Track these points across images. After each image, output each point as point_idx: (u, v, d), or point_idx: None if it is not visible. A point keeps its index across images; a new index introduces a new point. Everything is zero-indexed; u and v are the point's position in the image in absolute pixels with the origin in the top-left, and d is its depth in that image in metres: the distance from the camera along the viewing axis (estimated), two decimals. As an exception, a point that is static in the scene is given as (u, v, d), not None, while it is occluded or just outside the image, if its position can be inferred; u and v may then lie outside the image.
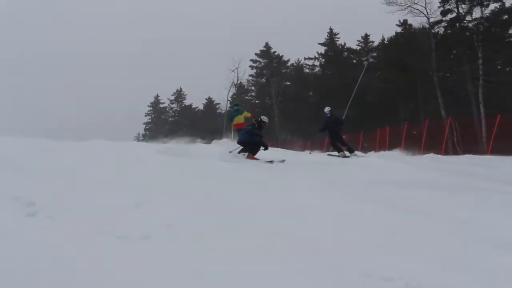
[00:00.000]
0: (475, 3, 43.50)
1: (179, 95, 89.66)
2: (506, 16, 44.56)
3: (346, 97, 36.59)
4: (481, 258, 5.41)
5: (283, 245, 5.18)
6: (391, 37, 54.73)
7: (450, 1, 44.44)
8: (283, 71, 66.46)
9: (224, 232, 5.47)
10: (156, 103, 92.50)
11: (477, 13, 43.65)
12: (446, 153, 25.58)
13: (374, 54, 60.38)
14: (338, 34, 63.46)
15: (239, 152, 16.17)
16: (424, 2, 44.67)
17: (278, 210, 7.06)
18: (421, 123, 30.38)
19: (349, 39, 64.78)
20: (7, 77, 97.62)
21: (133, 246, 4.52)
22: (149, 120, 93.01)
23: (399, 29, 53.68)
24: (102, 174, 8.90)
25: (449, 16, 44.90)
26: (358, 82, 34.15)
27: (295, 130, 48.33)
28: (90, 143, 15.03)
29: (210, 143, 23.94)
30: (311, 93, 61.29)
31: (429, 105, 43.72)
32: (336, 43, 63.38)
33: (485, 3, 43.20)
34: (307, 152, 19.75)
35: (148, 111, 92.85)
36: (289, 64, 67.65)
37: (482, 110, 38.15)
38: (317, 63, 64.24)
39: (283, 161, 15.42)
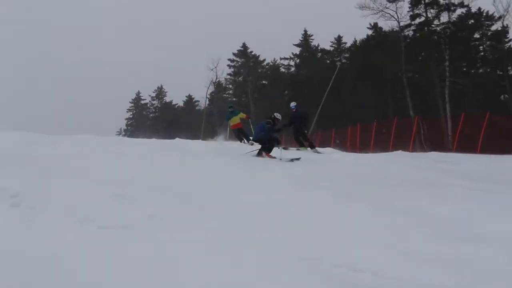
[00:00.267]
0: (442, 8, 44.08)
1: (159, 92, 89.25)
2: (472, 21, 45.17)
3: (320, 96, 36.75)
4: (444, 250, 5.54)
5: (260, 237, 5.24)
6: (362, 39, 55.11)
7: (419, 6, 44.89)
8: (259, 70, 66.46)
9: (204, 224, 5.52)
10: (137, 100, 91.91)
11: (444, 17, 44.38)
12: (413, 150, 25.74)
13: (347, 55, 60.65)
14: (312, 35, 63.79)
15: (257, 155, 15.53)
16: (395, 7, 45.27)
17: (256, 204, 7.12)
18: (390, 122, 30.52)
19: (323, 40, 64.89)
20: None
21: (113, 236, 4.54)
22: (131, 116, 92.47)
23: (370, 32, 54.10)
24: (85, 167, 8.85)
25: (418, 20, 45.42)
26: (331, 81, 34.39)
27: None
28: (73, 137, 14.90)
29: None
30: (286, 91, 61.35)
31: (398, 104, 43.98)
32: (310, 44, 63.59)
33: (452, 8, 43.77)
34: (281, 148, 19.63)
35: (130, 107, 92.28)
36: (265, 63, 67.76)
37: (448, 109, 38.60)
38: (292, 63, 64.46)
39: (298, 159, 14.99)
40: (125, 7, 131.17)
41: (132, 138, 24.00)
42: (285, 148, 17.38)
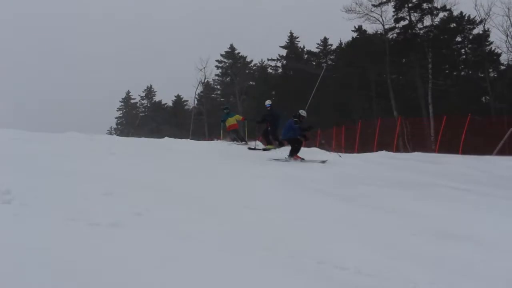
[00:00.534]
0: (425, 12, 44.33)
1: (149, 92, 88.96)
2: (454, 25, 45.47)
3: (306, 96, 36.80)
4: (426, 247, 5.58)
5: (246, 234, 5.24)
6: (348, 41, 55.22)
7: (403, 10, 45.10)
8: (246, 71, 66.39)
9: (189, 222, 5.52)
10: (127, 99, 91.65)
11: (427, 21, 44.59)
12: (397, 150, 25.89)
13: (333, 56, 60.74)
14: (298, 37, 63.80)
15: (288, 156, 15.22)
16: (380, 10, 45.50)
17: (242, 203, 7.12)
18: (374, 122, 30.62)
19: (309, 42, 64.94)
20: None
21: (102, 233, 4.54)
22: (121, 115, 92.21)
23: (355, 34, 54.31)
24: (75, 165, 8.82)
25: (402, 23, 45.60)
26: (317, 82, 34.36)
27: (258, 127, 48.26)
28: (64, 135, 14.83)
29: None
30: (273, 92, 61.38)
31: (383, 105, 44.16)
32: (297, 46, 63.64)
33: (435, 12, 44.04)
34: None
35: (120, 106, 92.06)
36: (252, 64, 67.74)
37: (430, 110, 38.81)
38: (279, 64, 64.42)
39: (325, 161, 14.76)
40: (118, 8, 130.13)
41: (122, 137, 23.94)
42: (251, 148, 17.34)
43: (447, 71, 44.84)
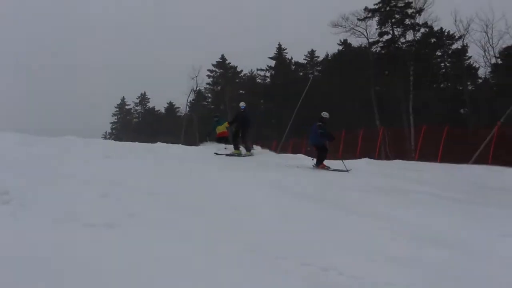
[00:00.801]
0: (408, 27, 44.79)
1: (143, 99, 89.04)
2: (434, 40, 45.85)
3: (293, 106, 36.93)
4: (405, 250, 5.64)
5: (232, 236, 5.27)
6: (334, 54, 55.49)
7: (387, 25, 45.55)
8: (236, 80, 66.44)
9: (179, 223, 5.54)
10: (122, 105, 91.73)
11: (410, 36, 45.07)
12: (379, 158, 26.01)
13: (319, 68, 60.98)
14: (286, 49, 63.99)
15: (314, 165, 15.21)
16: (365, 25, 46.03)
17: (229, 206, 7.15)
18: (358, 131, 30.77)
19: (297, 54, 64.96)
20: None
21: (98, 233, 4.56)
22: (116, 120, 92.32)
23: (340, 47, 54.61)
24: (72, 167, 8.81)
25: (386, 37, 46.01)
26: (304, 92, 34.49)
27: (248, 134, 48.25)
28: (62, 139, 14.79)
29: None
30: (262, 101, 61.44)
31: (366, 115, 44.30)
32: (285, 57, 63.80)
33: (417, 27, 44.49)
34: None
35: (115, 112, 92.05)
36: (242, 74, 67.74)
37: (411, 121, 39.07)
38: (268, 74, 64.49)
39: (348, 171, 14.65)
40: (117, 16, 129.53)
41: (117, 141, 23.87)
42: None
43: (427, 84, 45.11)
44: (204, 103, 68.60)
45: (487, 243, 6.50)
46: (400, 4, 45.24)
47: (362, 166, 17.70)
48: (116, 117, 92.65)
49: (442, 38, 46.00)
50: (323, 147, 15.44)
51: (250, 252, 4.69)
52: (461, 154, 23.81)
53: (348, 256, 5.05)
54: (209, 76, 66.55)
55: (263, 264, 4.37)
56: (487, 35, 42.17)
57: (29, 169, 7.74)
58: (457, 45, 45.70)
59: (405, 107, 41.27)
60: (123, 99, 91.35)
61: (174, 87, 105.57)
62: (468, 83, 45.40)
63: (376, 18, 46.16)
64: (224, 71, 66.65)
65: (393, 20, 45.36)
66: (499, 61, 43.55)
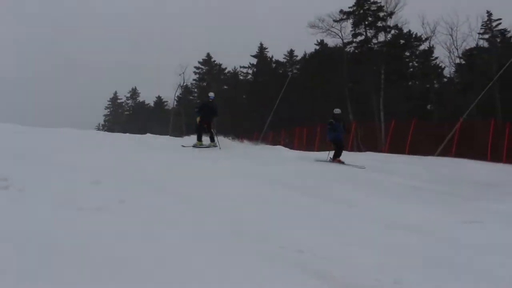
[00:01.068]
0: (380, 29, 45.18)
1: (134, 93, 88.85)
2: (403, 41, 46.17)
3: (273, 100, 37.00)
4: (374, 234, 5.65)
5: (216, 221, 5.24)
6: (311, 53, 55.60)
7: (360, 26, 45.85)
8: (221, 77, 66.39)
9: (166, 208, 5.52)
10: (114, 99, 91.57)
11: (381, 37, 45.50)
12: (351, 150, 26.13)
13: (298, 66, 60.99)
14: (267, 48, 63.94)
15: (331, 158, 15.07)
16: (340, 26, 46.36)
17: (212, 193, 7.11)
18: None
19: (277, 53, 64.78)
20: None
21: (89, 216, 4.55)
22: (108, 113, 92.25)
23: (317, 47, 54.77)
24: (68, 156, 8.82)
25: (359, 38, 46.34)
26: (283, 89, 34.55)
27: (230, 127, 48.34)
28: (58, 130, 14.67)
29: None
30: (244, 96, 61.40)
31: (340, 110, 44.45)
32: (266, 56, 63.72)
33: (388, 29, 44.94)
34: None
35: (108, 105, 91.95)
36: (226, 71, 67.59)
37: (382, 116, 39.37)
38: (250, 71, 64.43)
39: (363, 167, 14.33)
40: (117, 14, 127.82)
41: (109, 133, 23.84)
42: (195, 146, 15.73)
43: (397, 82, 45.45)
44: (191, 97, 68.40)
45: (451, 229, 6.55)
46: (373, 7, 45.86)
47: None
48: (108, 110, 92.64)
49: (410, 39, 46.31)
50: (340, 143, 15.30)
51: (231, 235, 4.72)
52: (427, 147, 24.04)
53: (321, 239, 5.07)
54: (195, 73, 66.60)
55: (243, 246, 4.40)
56: (452, 37, 42.68)
57: (26, 157, 7.75)
58: (424, 46, 46.12)
59: (376, 103, 41.60)
60: (115, 93, 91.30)
61: (163, 83, 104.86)
62: (434, 81, 45.79)
63: (351, 20, 46.49)
64: (210, 68, 66.62)
65: (366, 22, 45.72)
66: (463, 62, 44.14)
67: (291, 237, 4.95)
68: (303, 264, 4.03)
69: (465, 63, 43.76)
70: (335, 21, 46.11)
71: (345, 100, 43.58)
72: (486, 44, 43.96)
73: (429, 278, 4.16)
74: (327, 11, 53.71)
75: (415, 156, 21.34)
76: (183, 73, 61.74)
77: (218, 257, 3.86)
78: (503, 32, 44.33)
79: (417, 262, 4.64)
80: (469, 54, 43.61)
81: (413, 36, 46.28)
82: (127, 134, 19.72)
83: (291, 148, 22.90)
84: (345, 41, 46.77)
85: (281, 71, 60.43)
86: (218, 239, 4.47)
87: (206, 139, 16.13)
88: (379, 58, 42.99)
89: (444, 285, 4.09)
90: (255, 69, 63.20)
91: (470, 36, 43.45)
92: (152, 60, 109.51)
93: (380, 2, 45.37)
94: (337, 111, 15.83)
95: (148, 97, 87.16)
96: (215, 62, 67.29)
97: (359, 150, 28.46)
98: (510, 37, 44.13)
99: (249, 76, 64.36)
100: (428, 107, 45.60)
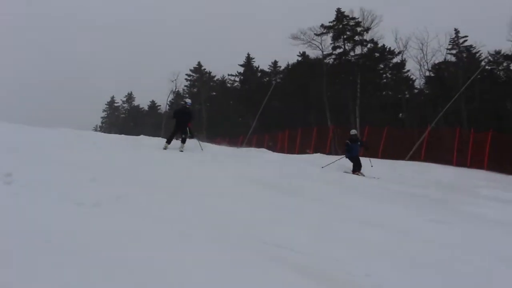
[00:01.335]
0: (357, 42, 45.61)
1: (129, 97, 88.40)
2: (378, 54, 46.60)
3: (258, 107, 37.10)
4: (350, 232, 5.69)
5: (202, 217, 5.24)
6: (293, 64, 55.77)
7: (339, 40, 46.25)
8: (211, 84, 66.34)
9: (158, 204, 5.52)
10: (111, 102, 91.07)
11: (358, 50, 46.02)
12: (329, 153, 26.25)
13: (281, 75, 61.11)
14: (254, 58, 63.99)
15: (352, 171, 15.52)
16: (320, 39, 46.76)
17: (200, 192, 7.12)
18: (312, 130, 31.03)
19: (262, 63, 64.81)
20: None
21: (87, 211, 4.55)
22: (105, 115, 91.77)
23: (299, 58, 54.97)
24: (67, 155, 8.79)
25: (338, 51, 46.71)
26: (267, 96, 34.65)
27: (220, 130, 48.29)
28: (58, 130, 14.55)
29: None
30: (231, 102, 61.36)
31: (320, 116, 44.64)
32: (252, 65, 63.77)
33: (364, 43, 45.39)
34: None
35: (105, 108, 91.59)
36: (215, 78, 67.53)
37: (357, 122, 39.64)
38: (237, 79, 64.39)
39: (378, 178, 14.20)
40: (114, 21, 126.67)
41: (106, 134, 23.75)
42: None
43: (372, 91, 45.79)
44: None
45: (416, 226, 6.63)
46: (351, 23, 46.46)
47: (316, 159, 17.86)
48: (106, 113, 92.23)
49: (384, 53, 46.76)
50: (356, 160, 15.86)
51: (217, 231, 4.70)
52: (398, 152, 24.27)
53: (300, 235, 5.09)
54: (187, 80, 66.60)
55: (228, 241, 4.40)
56: (423, 52, 43.32)
57: (28, 155, 7.71)
58: (397, 59, 46.67)
59: (352, 111, 41.98)
60: (112, 97, 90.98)
61: (156, 88, 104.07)
62: (406, 92, 46.25)
63: (331, 34, 46.94)
64: (200, 76, 66.53)
65: (344, 36, 46.20)
66: (432, 74, 44.71)
67: (273, 234, 4.97)
68: (283, 258, 4.06)
69: (434, 75, 44.41)
70: (316, 34, 46.66)
71: (324, 107, 43.87)
72: (453, 59, 44.71)
73: (396, 271, 4.22)
74: (309, 25, 54.17)
75: (387, 160, 21.51)
76: (176, 79, 62.13)
77: (204, 251, 3.87)
78: (469, 48, 45.02)
79: (387, 257, 4.70)
80: (437, 68, 44.27)
81: (387, 50, 46.77)
82: (123, 135, 19.61)
83: (274, 150, 22.96)
84: (325, 53, 47.29)
85: (266, 80, 60.52)
86: (203, 233, 4.48)
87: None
88: (356, 69, 43.40)
89: (407, 275, 4.16)
90: (242, 77, 63.18)
91: (439, 51, 44.36)
92: (147, 67, 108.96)
93: (358, 18, 46.13)
94: (353, 132, 16.25)
95: (142, 101, 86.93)
96: (205, 70, 67.26)
97: (336, 153, 28.61)
98: (475, 52, 44.82)
99: (236, 84, 64.32)
100: (400, 115, 46.06)
